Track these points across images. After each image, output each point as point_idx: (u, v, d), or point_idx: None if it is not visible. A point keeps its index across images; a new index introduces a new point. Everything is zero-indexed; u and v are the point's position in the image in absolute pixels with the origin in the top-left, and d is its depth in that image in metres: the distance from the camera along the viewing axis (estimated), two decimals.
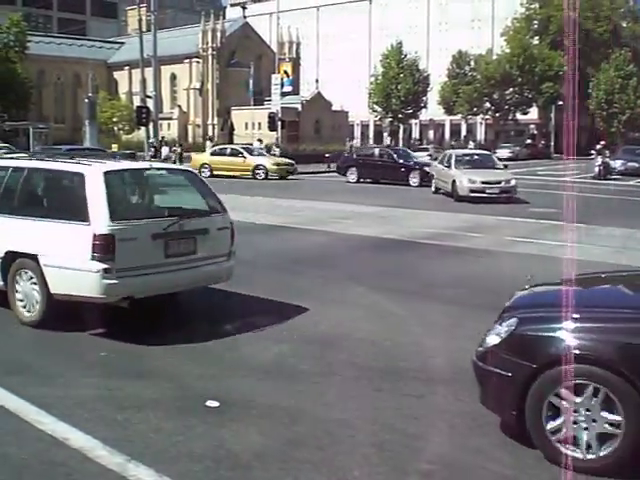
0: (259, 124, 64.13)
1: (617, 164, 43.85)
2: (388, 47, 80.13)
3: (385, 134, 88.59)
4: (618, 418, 4.67)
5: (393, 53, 78.65)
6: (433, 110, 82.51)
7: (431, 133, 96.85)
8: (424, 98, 78.75)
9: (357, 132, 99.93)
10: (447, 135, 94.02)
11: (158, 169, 10.07)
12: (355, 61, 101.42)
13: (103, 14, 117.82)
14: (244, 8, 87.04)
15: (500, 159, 34.70)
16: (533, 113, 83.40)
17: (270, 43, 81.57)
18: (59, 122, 77.73)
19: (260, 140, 49.48)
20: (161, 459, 4.89)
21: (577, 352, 4.79)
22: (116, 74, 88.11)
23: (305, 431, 5.45)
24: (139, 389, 6.26)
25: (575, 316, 5.00)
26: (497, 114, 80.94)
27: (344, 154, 42.98)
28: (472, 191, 25.23)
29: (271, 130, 49.78)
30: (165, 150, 45.95)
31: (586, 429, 4.79)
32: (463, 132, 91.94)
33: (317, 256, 13.84)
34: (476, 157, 29.86)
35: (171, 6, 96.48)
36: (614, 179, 38.98)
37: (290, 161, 40.53)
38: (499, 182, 25.82)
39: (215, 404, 5.92)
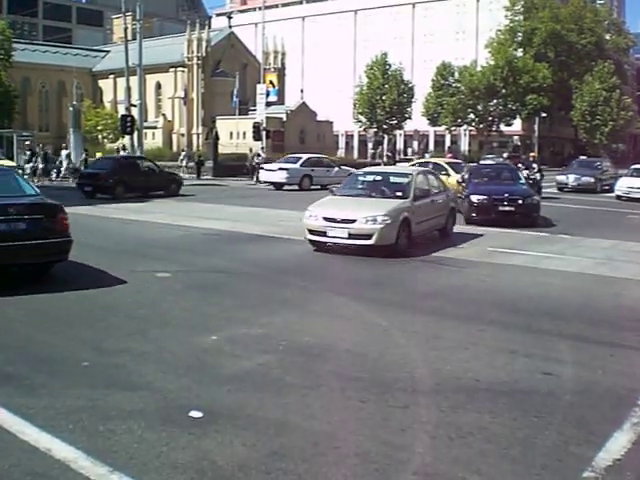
0: (244, 133, 64.20)
1: (570, 179, 39.21)
2: (373, 58, 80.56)
3: (369, 145, 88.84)
4: None
5: (378, 64, 79.11)
6: (417, 121, 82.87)
7: (415, 144, 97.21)
8: (409, 109, 79.16)
9: (342, 142, 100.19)
10: (431, 146, 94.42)
11: None
12: (340, 71, 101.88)
13: (89, 22, 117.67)
14: (230, 18, 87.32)
15: None
16: (517, 125, 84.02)
17: (255, 53, 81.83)
18: (43, 130, 77.63)
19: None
20: (144, 470, 4.87)
21: None
22: (101, 82, 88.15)
23: (290, 442, 5.43)
24: (122, 400, 6.22)
25: None
26: (481, 125, 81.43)
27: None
28: (311, 232, 15.39)
29: (256, 140, 49.73)
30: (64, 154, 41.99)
31: None
32: (447, 143, 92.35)
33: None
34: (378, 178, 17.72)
35: (157, 15, 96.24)
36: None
37: None
38: (351, 221, 14.62)
39: (199, 415, 5.89)
